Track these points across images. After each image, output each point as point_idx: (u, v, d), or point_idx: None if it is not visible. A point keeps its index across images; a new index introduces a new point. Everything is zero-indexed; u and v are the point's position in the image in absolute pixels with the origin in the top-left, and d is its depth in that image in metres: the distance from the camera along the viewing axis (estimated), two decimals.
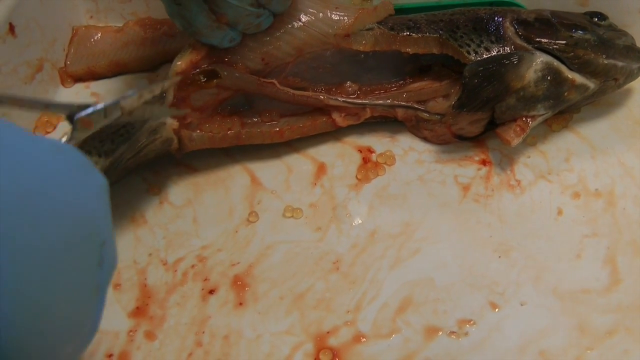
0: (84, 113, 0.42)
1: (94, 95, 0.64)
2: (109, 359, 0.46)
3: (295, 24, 0.53)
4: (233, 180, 0.57)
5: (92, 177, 0.34)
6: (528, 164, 0.56)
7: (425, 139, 0.59)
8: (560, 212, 0.53)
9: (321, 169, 0.57)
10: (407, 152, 0.58)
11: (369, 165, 0.57)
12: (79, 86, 0.65)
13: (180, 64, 0.52)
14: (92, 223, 0.32)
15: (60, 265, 0.30)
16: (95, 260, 0.32)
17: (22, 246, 0.28)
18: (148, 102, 0.48)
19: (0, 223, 0.27)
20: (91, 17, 0.69)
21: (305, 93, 0.56)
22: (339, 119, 0.57)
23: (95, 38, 0.66)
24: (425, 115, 0.57)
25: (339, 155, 0.58)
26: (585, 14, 0.57)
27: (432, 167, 0.57)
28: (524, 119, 0.54)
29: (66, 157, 0.32)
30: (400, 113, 0.58)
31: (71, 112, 0.42)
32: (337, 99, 0.56)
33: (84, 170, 0.33)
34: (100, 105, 0.43)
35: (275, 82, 0.54)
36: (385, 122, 0.59)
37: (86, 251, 0.32)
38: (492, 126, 0.55)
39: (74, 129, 0.42)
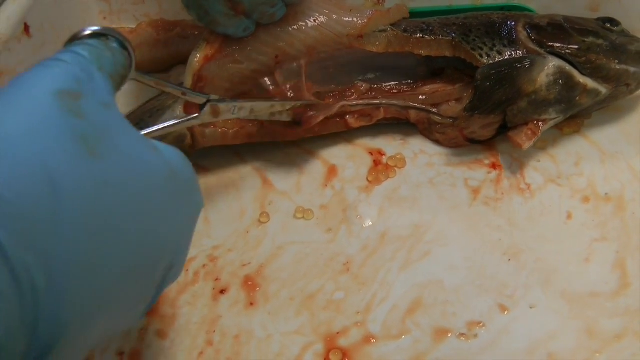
0: (218, 101, 0.48)
1: None
2: (120, 357, 0.47)
3: (309, 23, 0.54)
4: (244, 182, 0.57)
5: (193, 199, 0.33)
6: (538, 168, 0.56)
7: (437, 142, 0.59)
8: (569, 216, 0.53)
9: (332, 170, 0.57)
10: (418, 155, 0.58)
11: (380, 167, 0.57)
12: None
13: (197, 58, 0.52)
14: (170, 248, 0.31)
15: (118, 284, 0.29)
16: (156, 282, 0.32)
17: (89, 262, 0.27)
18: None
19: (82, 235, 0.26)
20: (104, 18, 0.69)
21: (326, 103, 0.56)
22: (352, 119, 0.57)
23: None
24: (438, 118, 0.57)
25: (350, 158, 0.58)
26: (598, 19, 0.58)
27: (443, 170, 0.57)
28: (535, 122, 0.54)
29: (177, 181, 0.31)
30: (412, 115, 0.58)
31: (208, 99, 0.48)
32: (355, 104, 0.56)
33: (188, 192, 0.32)
34: (237, 101, 0.50)
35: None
36: (397, 124, 0.59)
37: (151, 274, 0.31)
38: (504, 130, 0.56)
39: (201, 111, 0.48)
